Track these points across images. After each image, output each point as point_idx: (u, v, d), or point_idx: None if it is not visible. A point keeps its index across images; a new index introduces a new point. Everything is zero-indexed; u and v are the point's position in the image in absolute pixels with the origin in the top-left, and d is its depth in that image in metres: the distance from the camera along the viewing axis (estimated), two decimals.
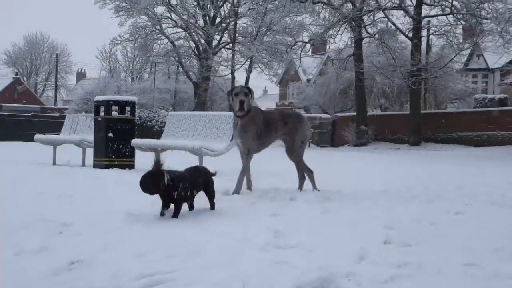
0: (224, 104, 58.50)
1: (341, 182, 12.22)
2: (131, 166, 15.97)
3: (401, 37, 43.04)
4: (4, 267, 4.77)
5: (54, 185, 10.86)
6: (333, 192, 10.02)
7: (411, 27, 39.28)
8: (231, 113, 15.31)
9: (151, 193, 6.84)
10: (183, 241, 5.63)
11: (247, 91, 9.82)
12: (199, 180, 7.30)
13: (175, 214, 6.89)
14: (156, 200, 7.29)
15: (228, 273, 4.48)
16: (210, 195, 7.51)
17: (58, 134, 20.87)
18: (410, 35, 39.30)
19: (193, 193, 7.29)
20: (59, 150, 18.75)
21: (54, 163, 17.92)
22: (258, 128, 9.87)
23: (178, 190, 6.82)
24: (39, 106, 72.84)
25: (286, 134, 10.23)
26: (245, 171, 9.90)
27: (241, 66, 54.94)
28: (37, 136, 19.82)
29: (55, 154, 18.32)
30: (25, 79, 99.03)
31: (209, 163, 12.82)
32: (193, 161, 14.15)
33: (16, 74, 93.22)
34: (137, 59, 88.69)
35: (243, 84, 54.65)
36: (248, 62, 54.08)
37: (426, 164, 21.17)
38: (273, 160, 14.55)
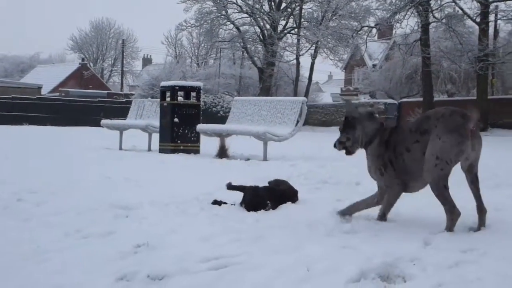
0: (289, 89, 58.43)
1: None
2: (196, 151, 16.04)
3: (469, 22, 42.41)
4: (72, 250, 4.84)
5: (120, 170, 10.99)
6: None
7: (479, 11, 38.66)
8: (295, 98, 15.30)
9: None
10: (248, 226, 5.65)
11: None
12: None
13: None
14: (222, 186, 7.33)
15: (293, 258, 4.48)
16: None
17: (125, 119, 21.09)
18: (478, 20, 38.69)
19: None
20: (125, 135, 18.95)
21: (120, 148, 18.12)
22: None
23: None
24: (105, 91, 73.40)
25: None
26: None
27: (306, 52, 54.77)
28: (103, 121, 20.06)
29: (122, 139, 18.51)
30: (91, 64, 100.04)
31: (274, 148, 12.78)
32: (258, 146, 14.20)
33: (83, 59, 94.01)
34: (202, 45, 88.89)
35: (309, 69, 54.57)
36: (313, 48, 53.86)
37: (493, 150, 20.82)
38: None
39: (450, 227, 5.50)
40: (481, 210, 5.81)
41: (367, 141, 6.18)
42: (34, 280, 4.13)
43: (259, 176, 7.40)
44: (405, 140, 5.89)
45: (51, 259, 4.57)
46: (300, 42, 53.58)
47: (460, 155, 5.51)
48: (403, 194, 6.12)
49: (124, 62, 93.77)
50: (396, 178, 5.98)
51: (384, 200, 6.12)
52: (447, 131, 5.46)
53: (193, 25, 57.67)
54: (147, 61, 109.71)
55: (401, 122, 7.07)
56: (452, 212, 5.54)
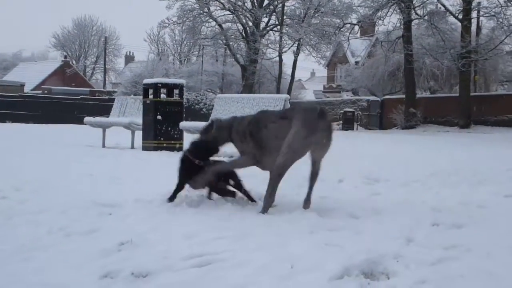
0: (272, 86, 58.42)
1: (389, 165, 12.16)
2: (179, 149, 16.02)
3: (451, 19, 42.59)
4: (56, 248, 4.83)
5: (103, 167, 10.97)
6: (382, 174, 9.96)
7: (461, 8, 38.82)
8: (278, 95, 15.31)
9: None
10: (232, 224, 5.65)
11: None
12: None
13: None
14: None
15: (276, 255, 4.48)
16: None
17: (107, 116, 21.03)
18: (460, 16, 38.86)
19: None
20: (108, 133, 18.89)
21: (103, 146, 18.07)
22: None
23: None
24: (88, 89, 73.03)
25: None
26: None
27: (289, 49, 54.79)
28: (86, 119, 19.98)
29: (105, 136, 18.46)
30: (74, 62, 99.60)
31: None
32: None
33: (65, 57, 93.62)
34: (185, 42, 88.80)
35: (291, 67, 54.57)
36: (296, 45, 53.89)
37: (476, 146, 20.94)
38: None
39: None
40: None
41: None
42: (17, 278, 4.11)
43: (242, 173, 7.37)
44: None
45: (35, 257, 4.56)
46: (283, 39, 53.61)
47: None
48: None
49: (107, 59, 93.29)
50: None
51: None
52: None
53: (175, 23, 57.53)
54: (129, 58, 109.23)
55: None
56: None
